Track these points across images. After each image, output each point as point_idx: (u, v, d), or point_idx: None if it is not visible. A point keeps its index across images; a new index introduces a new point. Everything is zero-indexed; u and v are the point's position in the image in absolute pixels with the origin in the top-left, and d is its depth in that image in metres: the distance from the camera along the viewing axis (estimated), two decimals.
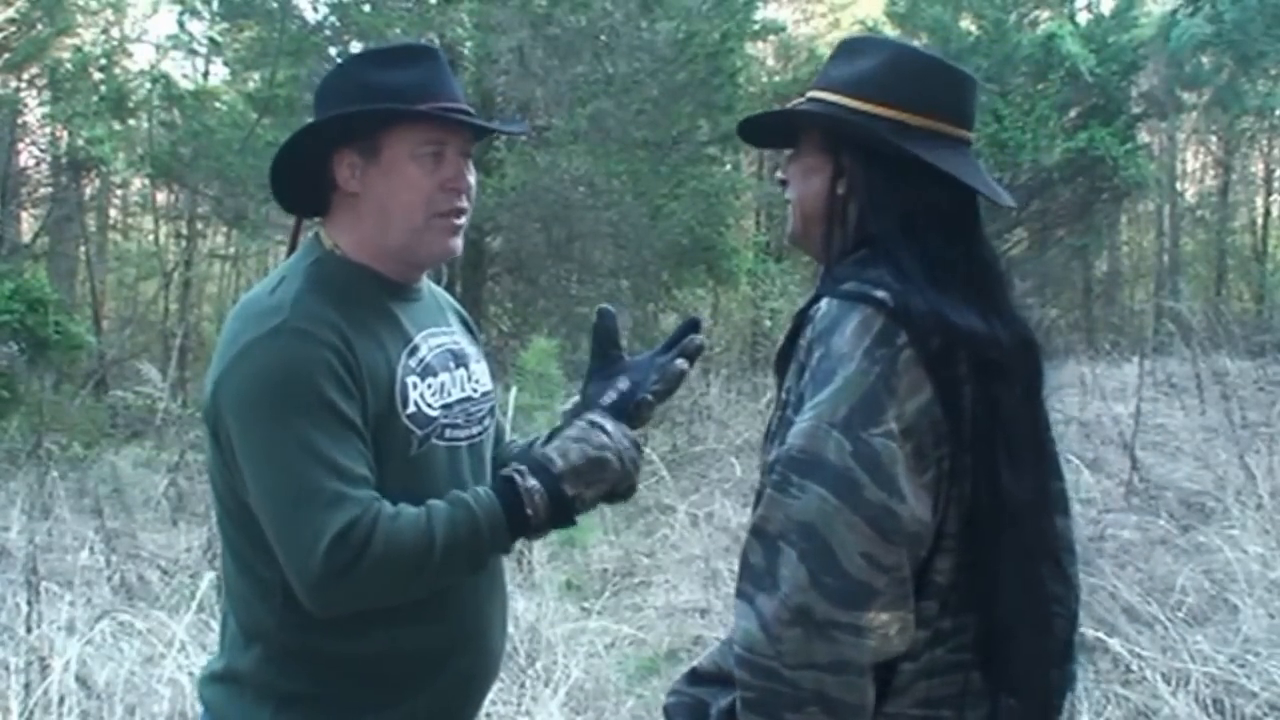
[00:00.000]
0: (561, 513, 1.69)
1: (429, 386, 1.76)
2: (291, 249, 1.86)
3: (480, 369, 1.91)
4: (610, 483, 1.72)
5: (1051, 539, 1.59)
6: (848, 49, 1.65)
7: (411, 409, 1.72)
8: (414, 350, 1.76)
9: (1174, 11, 13.32)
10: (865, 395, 1.39)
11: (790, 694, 1.36)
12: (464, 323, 1.98)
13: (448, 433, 1.77)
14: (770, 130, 1.76)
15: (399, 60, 1.77)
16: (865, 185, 1.56)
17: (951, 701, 1.48)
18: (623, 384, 1.81)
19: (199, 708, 1.84)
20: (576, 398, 1.92)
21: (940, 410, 1.42)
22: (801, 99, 1.67)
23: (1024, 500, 1.50)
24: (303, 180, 1.79)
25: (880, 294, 1.44)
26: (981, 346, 1.48)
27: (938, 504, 1.43)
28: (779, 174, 1.71)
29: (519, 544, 1.84)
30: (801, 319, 1.52)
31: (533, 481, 1.67)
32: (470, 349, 1.91)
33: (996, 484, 1.47)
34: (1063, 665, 1.62)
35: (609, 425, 1.74)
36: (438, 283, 1.97)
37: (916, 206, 1.53)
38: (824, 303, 1.48)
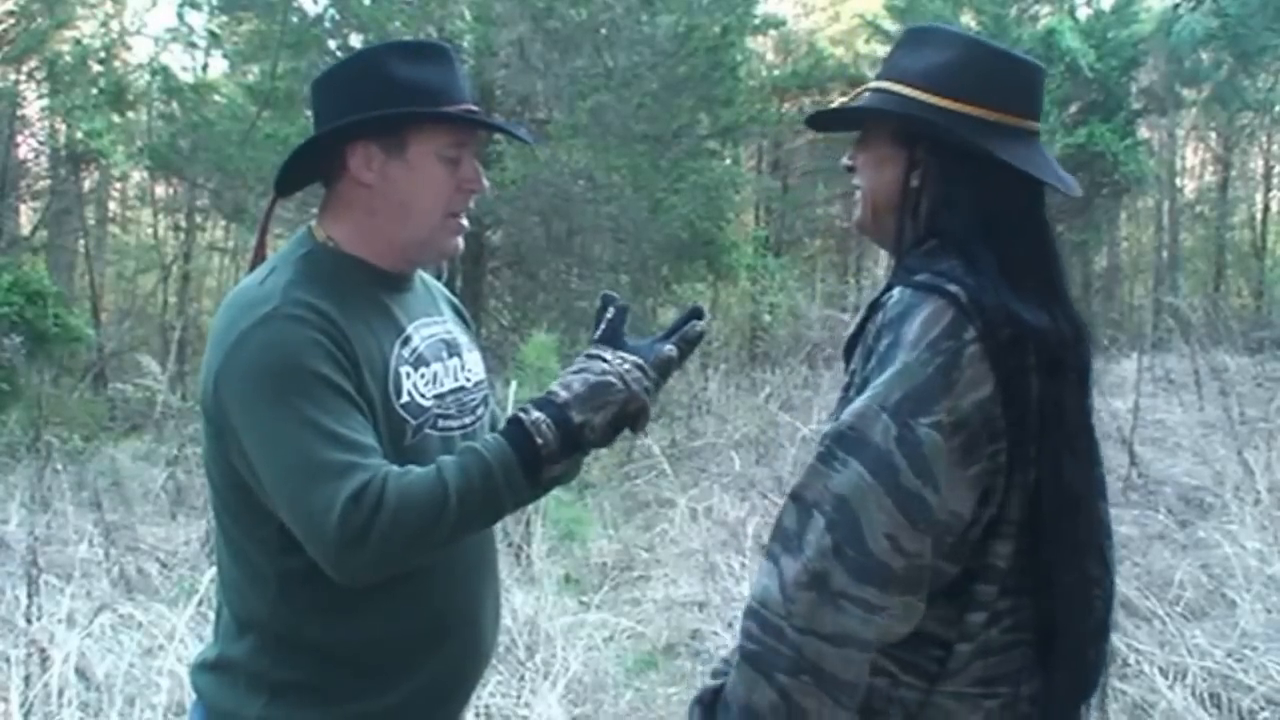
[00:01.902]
0: (572, 441, 1.65)
1: (422, 376, 1.77)
2: (261, 234, 1.87)
3: (473, 358, 1.91)
4: (618, 403, 1.67)
5: (1099, 525, 1.64)
6: (914, 39, 1.67)
7: (405, 399, 1.72)
8: (407, 340, 1.77)
9: (1176, 5, 13.27)
10: (921, 384, 1.42)
11: (790, 657, 1.40)
12: (456, 311, 1.99)
13: (441, 422, 1.78)
14: (835, 114, 1.78)
15: (419, 56, 1.78)
16: (941, 180, 1.58)
17: (1008, 678, 1.53)
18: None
19: (192, 697, 1.84)
20: None
21: (1000, 406, 1.45)
22: (866, 88, 1.68)
23: (1080, 489, 1.56)
24: (305, 163, 1.80)
25: (953, 288, 1.47)
26: (1048, 342, 1.51)
27: (989, 494, 1.47)
28: (845, 160, 1.72)
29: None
30: (873, 307, 1.54)
31: (537, 414, 1.65)
32: (463, 338, 1.91)
33: (1060, 475, 1.52)
34: (1099, 644, 1.67)
35: (606, 353, 1.71)
36: (438, 277, 1.98)
37: (993, 204, 1.56)
38: (896, 291, 1.51)
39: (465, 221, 1.81)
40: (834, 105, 1.78)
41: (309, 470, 1.57)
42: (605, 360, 1.70)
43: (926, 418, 1.41)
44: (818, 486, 1.44)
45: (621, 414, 1.68)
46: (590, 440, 1.67)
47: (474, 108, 1.81)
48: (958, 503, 1.43)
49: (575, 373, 1.70)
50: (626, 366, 1.69)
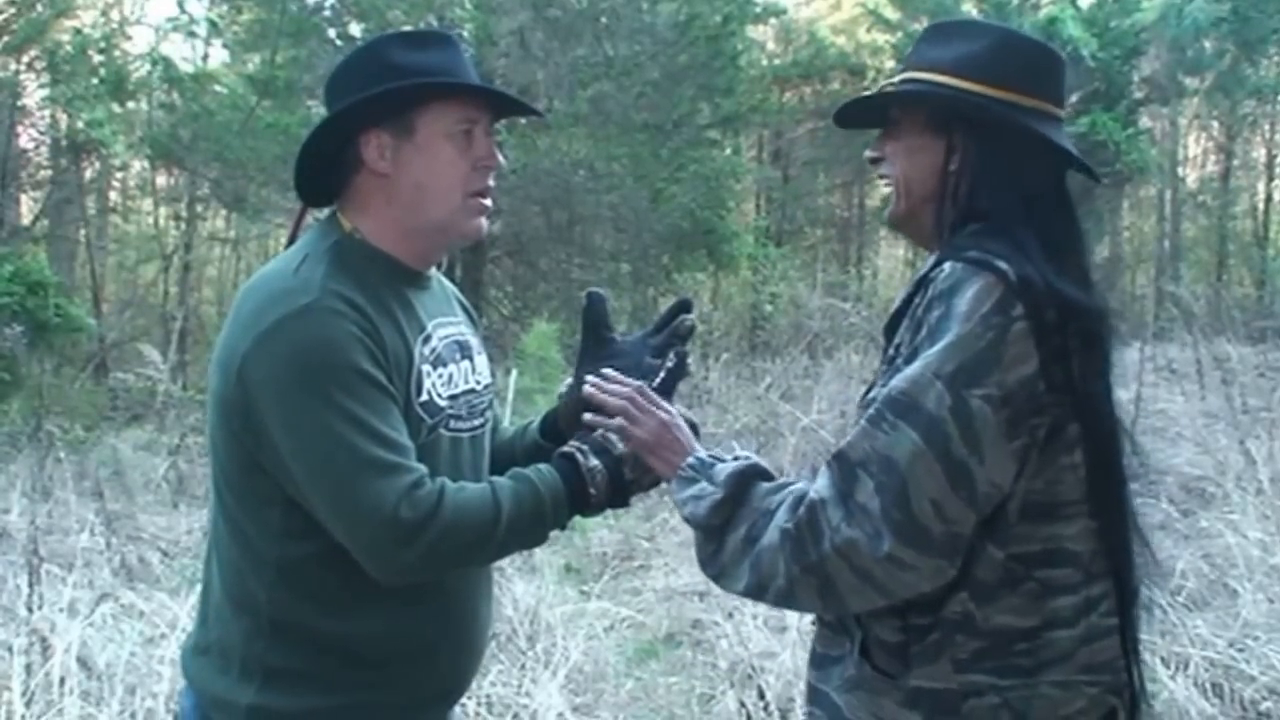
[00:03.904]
0: (619, 494, 1.74)
1: (440, 376, 1.77)
2: (292, 238, 1.85)
3: (482, 361, 1.92)
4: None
5: (1129, 496, 1.66)
6: (940, 32, 1.69)
7: (424, 397, 1.73)
8: (427, 339, 1.77)
9: None
10: (974, 356, 1.44)
11: (814, 561, 1.47)
12: (467, 313, 1.99)
13: (452, 423, 1.78)
14: (859, 110, 1.78)
15: (423, 43, 1.78)
16: (981, 163, 1.60)
17: (1110, 666, 1.56)
18: (669, 361, 1.83)
19: (181, 681, 1.83)
20: (570, 380, 1.93)
21: (1043, 383, 1.47)
22: (891, 81, 1.71)
23: (1119, 463, 1.60)
24: (322, 163, 1.78)
25: (1003, 265, 1.49)
26: (1089, 319, 1.54)
27: (1024, 470, 1.49)
28: (869, 152, 1.73)
29: None
30: (921, 281, 1.56)
31: (595, 461, 1.72)
32: (473, 340, 1.92)
33: (1115, 452, 1.57)
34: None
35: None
36: (439, 266, 1.97)
37: (1030, 183, 1.59)
38: (947, 265, 1.52)
39: (488, 201, 1.81)
40: (865, 94, 1.79)
41: (356, 467, 1.58)
42: None
43: (979, 389, 1.43)
44: (864, 447, 1.47)
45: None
46: (632, 493, 1.76)
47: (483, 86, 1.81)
48: (1000, 474, 1.46)
49: None
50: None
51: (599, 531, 6.31)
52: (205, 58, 18.32)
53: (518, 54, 13.04)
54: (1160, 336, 11.04)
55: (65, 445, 8.07)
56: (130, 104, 16.26)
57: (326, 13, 13.91)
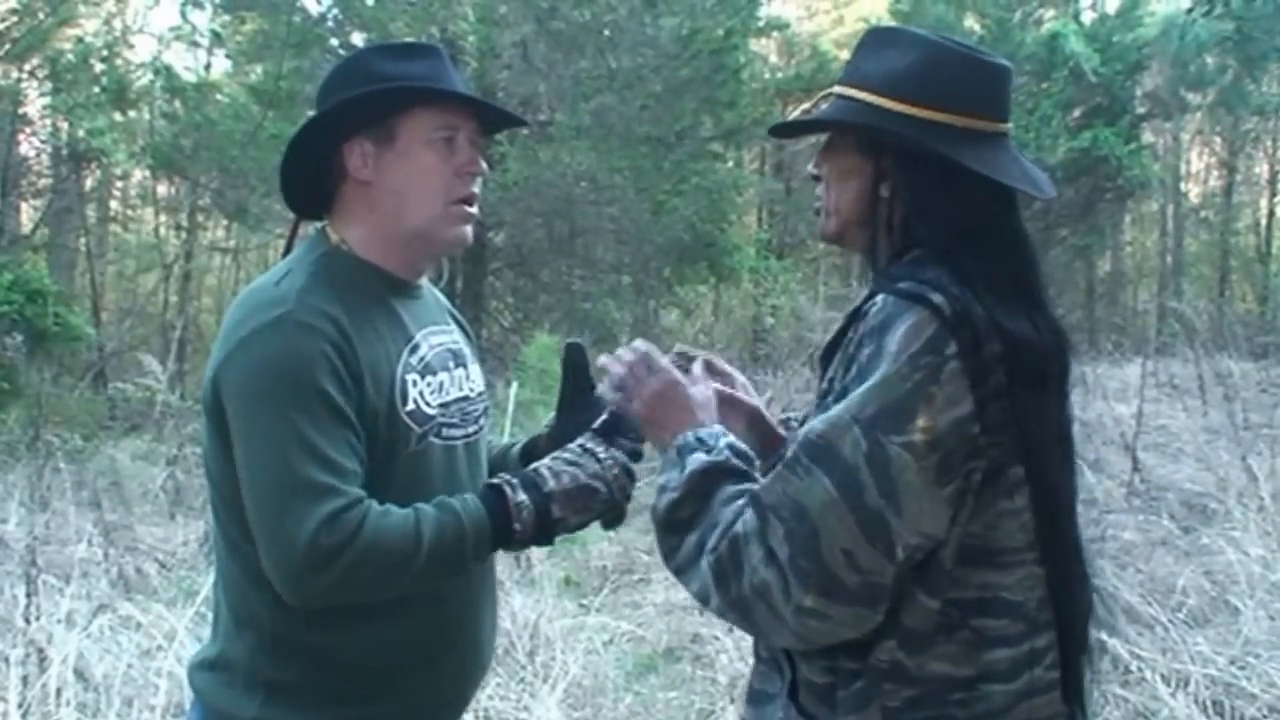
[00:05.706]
0: (544, 532, 1.70)
1: (428, 385, 1.77)
2: (288, 249, 1.86)
3: (476, 369, 1.92)
4: (597, 511, 1.73)
5: (1079, 539, 1.58)
6: (876, 41, 1.60)
7: (411, 406, 1.72)
8: (415, 348, 1.77)
9: (1189, 10, 13.23)
10: (897, 400, 1.37)
11: (734, 597, 1.41)
12: (459, 324, 1.99)
13: (444, 431, 1.78)
14: (794, 127, 1.72)
15: (406, 54, 1.79)
16: (910, 190, 1.52)
17: None
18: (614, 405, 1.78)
19: (190, 696, 1.83)
20: (552, 416, 1.93)
21: (978, 426, 1.39)
22: (828, 93, 1.62)
23: (1069, 506, 1.52)
24: (309, 174, 1.79)
25: (937, 298, 1.40)
26: (1033, 354, 1.45)
27: (959, 515, 1.41)
28: (811, 168, 1.66)
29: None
30: (854, 315, 1.49)
31: (523, 496, 1.68)
32: (467, 349, 1.92)
33: (1056, 496, 1.48)
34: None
35: (601, 452, 1.74)
36: (439, 278, 1.97)
37: (965, 212, 1.50)
38: (879, 299, 1.44)
39: (472, 209, 1.80)
40: (795, 116, 1.69)
41: (289, 486, 1.57)
42: (599, 461, 1.73)
43: (899, 436, 1.35)
44: (777, 490, 1.40)
45: (597, 518, 1.74)
46: (559, 532, 1.72)
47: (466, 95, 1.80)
48: (930, 524, 1.38)
49: (569, 464, 1.72)
50: (615, 472, 1.73)
51: (598, 544, 6.29)
52: (208, 67, 18.42)
53: (520, 66, 13.08)
54: (1162, 352, 11.02)
55: (63, 455, 8.04)
56: (132, 113, 16.35)
57: (329, 24, 13.95)
